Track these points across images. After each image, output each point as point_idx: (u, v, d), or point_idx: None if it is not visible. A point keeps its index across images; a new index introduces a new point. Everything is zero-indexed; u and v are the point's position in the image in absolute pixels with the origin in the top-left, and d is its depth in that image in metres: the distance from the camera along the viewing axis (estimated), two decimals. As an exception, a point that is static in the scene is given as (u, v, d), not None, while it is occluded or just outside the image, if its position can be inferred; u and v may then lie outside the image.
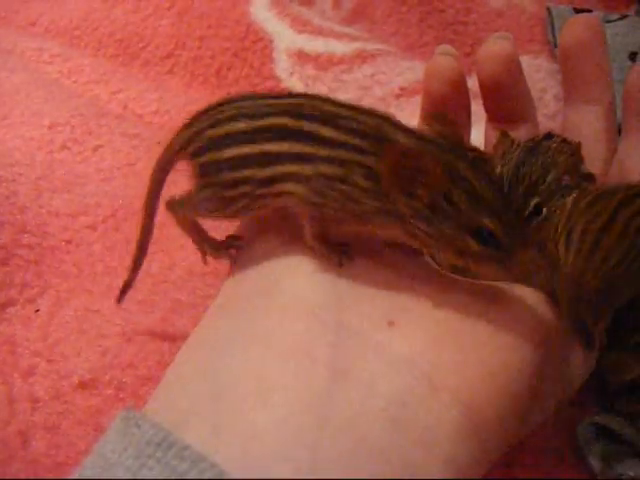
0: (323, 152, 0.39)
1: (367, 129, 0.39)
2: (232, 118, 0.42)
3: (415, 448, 0.35)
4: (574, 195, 0.47)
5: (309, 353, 0.37)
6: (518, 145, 0.51)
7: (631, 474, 0.50)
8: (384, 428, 0.35)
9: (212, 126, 0.42)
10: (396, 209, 0.39)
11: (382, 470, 0.34)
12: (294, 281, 0.40)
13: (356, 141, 0.39)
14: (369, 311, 0.39)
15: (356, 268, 0.41)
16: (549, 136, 0.53)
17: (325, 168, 0.39)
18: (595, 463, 0.50)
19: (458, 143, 0.40)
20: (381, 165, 0.38)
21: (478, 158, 0.52)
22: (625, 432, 0.51)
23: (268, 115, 0.41)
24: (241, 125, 0.41)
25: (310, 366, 0.36)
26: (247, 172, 0.41)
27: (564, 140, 0.53)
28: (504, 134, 0.53)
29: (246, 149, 0.41)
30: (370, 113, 0.41)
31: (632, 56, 0.86)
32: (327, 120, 0.40)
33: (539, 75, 0.84)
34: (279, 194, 0.41)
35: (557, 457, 0.51)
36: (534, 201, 0.47)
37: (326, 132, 0.40)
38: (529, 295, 0.44)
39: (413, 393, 0.36)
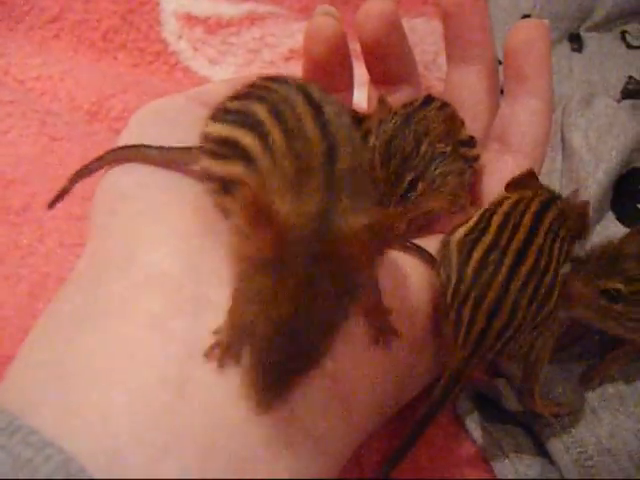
0: None
1: None
2: None
3: (277, 425, 0.34)
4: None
5: (165, 329, 0.35)
6: (395, 113, 0.49)
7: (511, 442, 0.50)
8: (240, 403, 0.34)
9: None
10: None
11: (242, 447, 0.33)
12: (151, 253, 0.38)
13: None
14: (227, 282, 0.37)
15: (214, 240, 0.39)
16: (428, 100, 0.52)
17: None
18: (475, 432, 0.50)
19: None
20: None
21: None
22: (504, 400, 0.51)
23: None
24: None
25: (166, 343, 0.34)
26: None
27: (443, 104, 0.52)
28: (381, 101, 0.51)
29: None
30: None
31: (524, 18, 0.86)
32: None
33: (433, 38, 0.84)
34: None
35: (436, 426, 0.51)
36: (409, 177, 0.46)
37: None
38: (411, 270, 0.43)
39: None
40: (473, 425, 0.50)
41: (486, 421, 0.51)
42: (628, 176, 0.68)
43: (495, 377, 0.54)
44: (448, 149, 0.48)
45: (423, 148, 0.46)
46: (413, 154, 0.46)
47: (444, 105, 0.52)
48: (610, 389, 0.51)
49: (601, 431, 0.49)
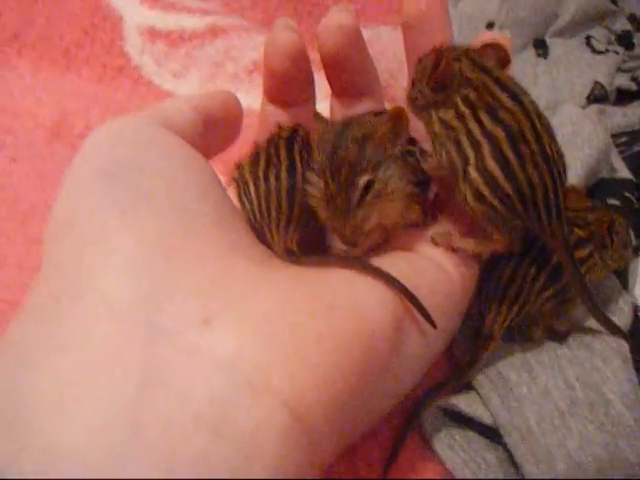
0: None
1: None
2: None
3: (238, 455, 0.33)
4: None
5: (119, 358, 0.34)
6: (332, 125, 0.48)
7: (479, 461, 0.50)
8: (202, 435, 0.32)
9: None
10: None
11: (204, 478, 0.32)
12: (101, 281, 0.37)
13: None
14: (184, 310, 0.36)
15: (172, 265, 0.38)
16: (378, 113, 0.51)
17: None
18: (442, 453, 0.50)
19: None
20: None
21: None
22: (472, 411, 0.51)
23: None
24: None
25: (120, 373, 0.33)
26: None
27: (384, 110, 0.51)
28: (317, 116, 0.51)
29: None
30: None
31: (490, 26, 0.86)
32: None
33: (397, 46, 0.82)
34: None
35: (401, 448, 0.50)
36: (362, 180, 0.45)
37: None
38: (363, 289, 0.42)
39: (232, 397, 0.34)
40: (439, 445, 0.50)
41: (452, 439, 0.50)
42: (596, 188, 0.68)
43: (465, 390, 0.53)
44: (397, 150, 0.46)
45: (369, 151, 0.45)
46: (359, 158, 0.45)
47: (385, 111, 0.51)
48: (579, 393, 0.51)
49: (571, 442, 0.48)
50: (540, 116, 0.46)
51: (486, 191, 0.45)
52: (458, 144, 0.46)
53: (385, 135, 0.45)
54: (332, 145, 0.45)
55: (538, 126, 0.45)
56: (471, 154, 0.46)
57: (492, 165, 0.45)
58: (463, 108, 0.46)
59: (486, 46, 0.49)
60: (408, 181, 0.46)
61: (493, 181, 0.45)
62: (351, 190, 0.44)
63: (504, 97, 0.46)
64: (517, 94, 0.46)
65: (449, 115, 0.47)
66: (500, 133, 0.45)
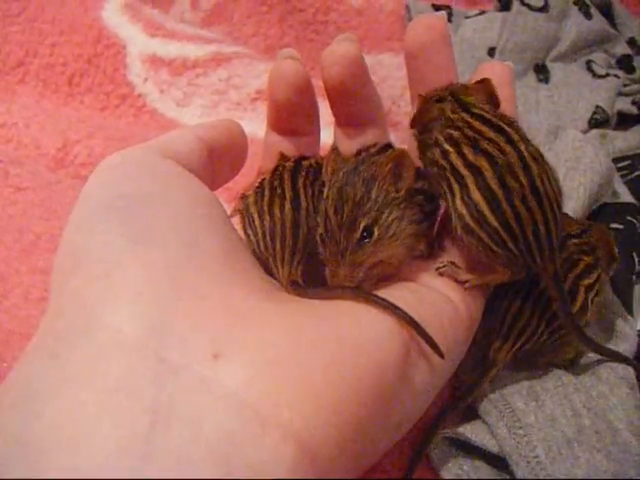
0: None
1: None
2: None
3: None
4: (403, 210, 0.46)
5: (129, 392, 0.34)
6: (347, 161, 0.48)
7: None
8: (212, 470, 0.32)
9: None
10: None
11: None
12: (111, 316, 0.37)
13: None
14: (193, 344, 0.36)
15: (181, 300, 0.38)
16: (385, 148, 0.51)
17: None
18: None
19: None
20: None
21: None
22: (479, 440, 0.50)
23: None
24: None
25: (130, 408, 0.33)
26: None
27: (391, 145, 0.51)
28: (334, 151, 0.51)
29: None
30: None
31: (490, 51, 0.87)
32: None
33: (400, 73, 0.84)
34: None
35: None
36: (363, 223, 0.45)
37: None
38: (370, 320, 0.42)
39: (242, 431, 0.34)
40: (448, 475, 0.49)
41: (460, 469, 0.50)
42: (598, 213, 0.68)
43: (472, 419, 0.53)
44: (400, 195, 0.46)
45: (374, 193, 0.45)
46: (364, 199, 0.45)
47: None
48: (586, 420, 0.50)
49: (578, 472, 0.48)
50: (528, 144, 0.46)
51: (474, 224, 0.46)
52: (447, 180, 0.47)
53: (386, 178, 0.45)
54: (341, 181, 0.45)
55: (526, 155, 0.45)
56: (457, 188, 0.46)
57: (478, 197, 0.45)
58: (447, 146, 0.47)
59: (478, 83, 0.50)
60: (412, 221, 0.46)
61: (480, 214, 0.45)
62: (352, 230, 0.44)
63: (485, 129, 0.46)
64: (500, 126, 0.46)
65: (436, 154, 0.47)
66: (483, 163, 0.45)
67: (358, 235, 0.44)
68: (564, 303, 0.48)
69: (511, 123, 0.47)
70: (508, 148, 0.45)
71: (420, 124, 0.49)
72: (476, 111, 0.47)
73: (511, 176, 0.44)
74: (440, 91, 0.49)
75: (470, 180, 0.45)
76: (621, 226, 0.68)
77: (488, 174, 0.45)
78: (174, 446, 0.33)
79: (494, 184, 0.45)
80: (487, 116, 0.47)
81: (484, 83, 0.50)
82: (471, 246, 0.47)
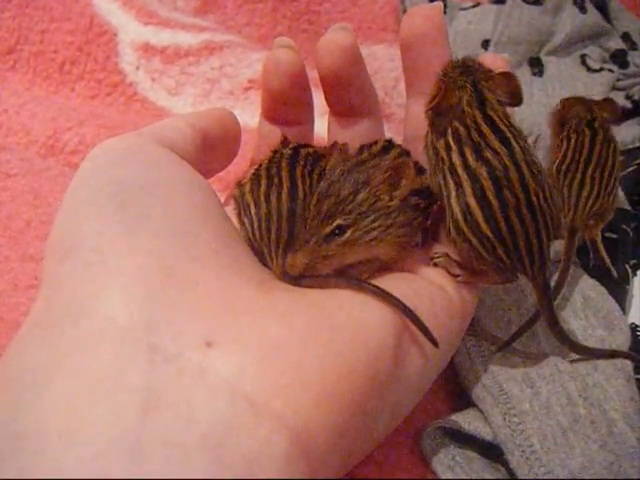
0: None
1: None
2: None
3: (239, 478, 0.32)
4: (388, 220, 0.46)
5: (120, 381, 0.33)
6: (346, 161, 0.47)
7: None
8: (205, 458, 0.32)
9: None
10: None
11: None
12: (103, 303, 0.36)
13: None
14: (185, 332, 0.36)
15: (174, 288, 0.38)
16: (387, 147, 0.51)
17: None
18: (442, 471, 0.49)
19: None
20: None
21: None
22: (473, 428, 0.50)
23: None
24: None
25: (122, 395, 0.33)
26: None
27: (400, 153, 0.51)
28: (341, 149, 0.50)
29: None
30: None
31: (485, 44, 0.87)
32: None
33: (393, 64, 0.84)
34: None
35: (400, 469, 0.50)
36: (337, 221, 0.44)
37: None
38: (364, 309, 0.42)
39: (234, 420, 0.33)
40: (440, 466, 0.49)
41: (453, 460, 0.50)
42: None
43: (465, 408, 0.53)
44: (393, 204, 0.45)
45: (361, 197, 0.45)
46: (348, 200, 0.44)
47: (400, 155, 0.50)
48: (581, 410, 0.50)
49: (573, 462, 0.48)
50: (530, 164, 0.46)
51: (466, 228, 0.46)
52: (443, 173, 0.46)
53: (381, 185, 0.45)
54: (334, 178, 0.45)
55: (526, 174, 0.45)
56: (452, 187, 0.46)
57: (472, 203, 0.45)
58: (451, 141, 0.46)
59: (502, 75, 0.49)
60: (403, 225, 0.46)
61: (473, 219, 0.45)
62: (325, 224, 0.44)
63: (492, 138, 0.46)
64: (508, 138, 0.46)
65: (440, 144, 0.47)
66: (483, 172, 0.45)
67: (328, 230, 0.44)
68: (551, 313, 0.50)
69: (517, 136, 0.47)
70: (510, 164, 0.45)
71: (437, 108, 0.48)
72: (490, 113, 0.47)
73: (509, 191, 0.45)
74: (463, 74, 0.49)
75: (467, 184, 0.45)
76: (614, 235, 0.68)
77: (486, 184, 0.45)
78: (166, 434, 0.32)
79: (490, 194, 0.45)
80: (497, 122, 0.47)
81: (508, 78, 0.49)
82: (462, 250, 0.47)
